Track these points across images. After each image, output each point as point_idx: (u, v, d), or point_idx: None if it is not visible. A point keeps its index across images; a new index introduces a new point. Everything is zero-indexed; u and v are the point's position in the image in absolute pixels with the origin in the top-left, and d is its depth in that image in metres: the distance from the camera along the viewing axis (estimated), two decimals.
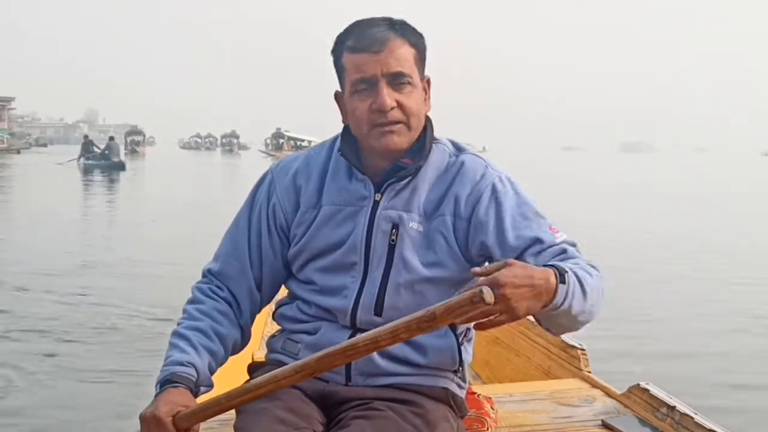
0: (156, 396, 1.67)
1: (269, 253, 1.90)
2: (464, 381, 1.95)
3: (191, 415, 1.61)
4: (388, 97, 1.73)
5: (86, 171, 34.15)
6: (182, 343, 1.76)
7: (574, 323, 1.66)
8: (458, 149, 1.89)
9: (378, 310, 1.80)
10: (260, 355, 2.62)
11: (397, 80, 1.75)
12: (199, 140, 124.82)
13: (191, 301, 1.88)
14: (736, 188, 30.99)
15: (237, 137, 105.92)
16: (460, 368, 1.90)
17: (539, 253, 1.73)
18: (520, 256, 1.73)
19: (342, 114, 1.86)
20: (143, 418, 1.62)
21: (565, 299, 1.56)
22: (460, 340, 1.88)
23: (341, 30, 1.82)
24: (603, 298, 1.69)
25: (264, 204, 1.91)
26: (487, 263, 1.78)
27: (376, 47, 1.74)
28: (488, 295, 1.35)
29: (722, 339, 6.63)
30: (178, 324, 1.83)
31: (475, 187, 1.81)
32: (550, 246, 1.74)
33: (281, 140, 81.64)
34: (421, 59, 1.81)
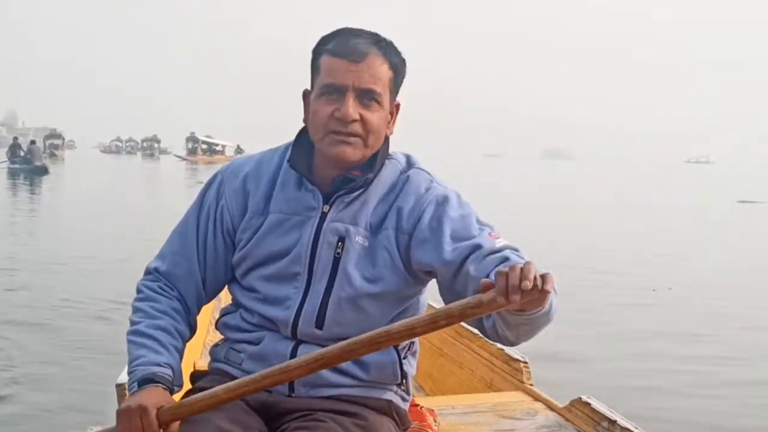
0: (134, 393, 1.68)
1: (214, 255, 1.88)
2: (408, 393, 1.94)
3: (175, 409, 1.64)
4: (353, 109, 1.73)
5: (13, 174, 33.08)
6: (151, 343, 1.76)
7: (542, 326, 1.65)
8: (410, 165, 1.88)
9: (319, 323, 1.79)
10: (202, 363, 2.57)
11: (366, 96, 1.75)
12: (119, 144, 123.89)
13: (144, 299, 1.85)
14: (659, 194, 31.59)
15: (158, 141, 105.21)
16: (404, 381, 1.90)
17: (481, 259, 1.70)
18: (461, 266, 1.71)
19: (305, 113, 1.85)
20: (123, 411, 1.63)
21: (552, 303, 1.58)
22: (402, 354, 1.87)
23: (327, 33, 1.82)
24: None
25: (213, 205, 1.89)
26: (428, 276, 1.81)
27: (355, 57, 1.74)
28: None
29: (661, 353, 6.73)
30: (136, 322, 1.81)
31: (418, 201, 1.80)
32: (492, 252, 1.71)
33: (195, 144, 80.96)
34: (396, 83, 1.82)
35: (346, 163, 1.78)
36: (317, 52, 1.80)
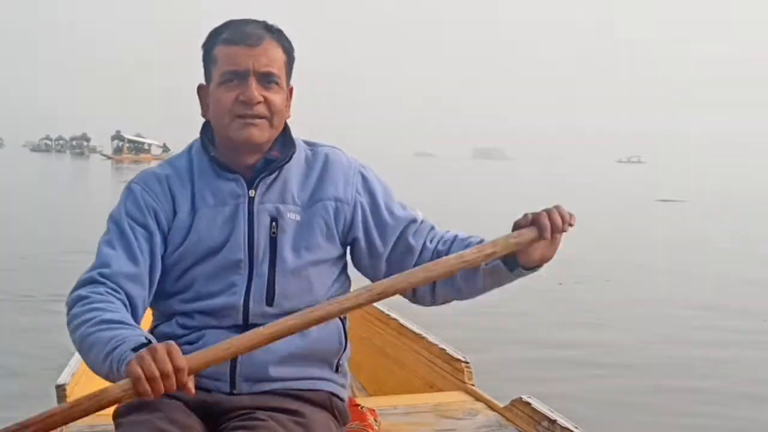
0: (127, 364, 1.47)
1: (158, 256, 1.81)
2: (345, 379, 1.96)
3: (200, 356, 1.50)
4: (257, 91, 1.78)
5: None
6: (122, 326, 1.59)
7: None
8: (310, 144, 1.97)
9: (269, 300, 1.82)
10: None
11: (266, 79, 1.80)
12: (49, 143, 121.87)
13: (86, 303, 1.66)
14: (595, 194, 32.16)
15: (88, 140, 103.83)
16: (342, 357, 1.92)
17: (416, 230, 1.93)
18: (401, 236, 1.92)
19: (202, 107, 1.89)
20: (143, 356, 1.44)
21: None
22: (344, 322, 1.93)
23: (215, 26, 1.86)
24: None
25: (143, 208, 1.82)
26: (357, 247, 1.93)
27: (252, 41, 1.79)
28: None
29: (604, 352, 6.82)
30: (87, 321, 1.61)
31: (346, 174, 1.91)
32: (421, 222, 1.94)
33: (121, 143, 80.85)
34: (289, 66, 1.88)
35: (255, 146, 1.82)
36: (210, 44, 1.84)
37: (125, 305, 1.72)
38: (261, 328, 1.57)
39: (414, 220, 1.93)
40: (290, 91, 1.90)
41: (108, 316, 1.62)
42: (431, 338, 3.04)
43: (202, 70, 1.88)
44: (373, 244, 1.92)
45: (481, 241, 1.81)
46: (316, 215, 1.86)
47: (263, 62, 1.79)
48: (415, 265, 1.82)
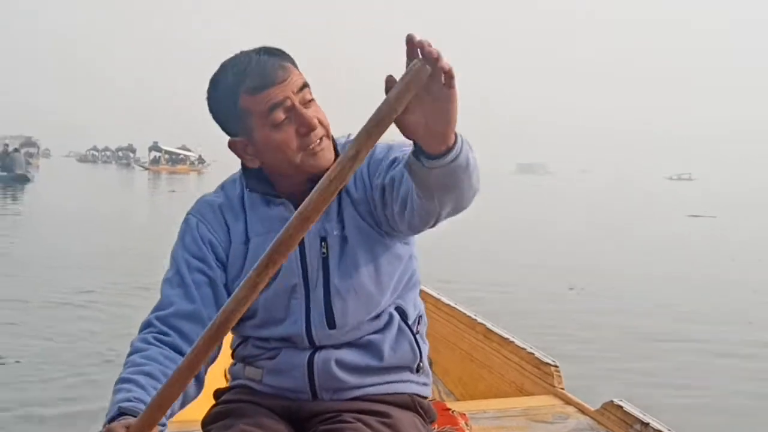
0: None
1: (221, 288, 1.81)
2: (428, 377, 1.94)
3: (143, 417, 1.46)
4: (311, 114, 1.72)
5: None
6: (128, 386, 1.62)
7: (469, 183, 1.55)
8: (346, 143, 1.84)
9: (330, 322, 1.79)
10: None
11: (306, 98, 1.73)
12: (96, 153, 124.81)
13: (133, 352, 1.71)
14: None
15: (133, 151, 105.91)
16: (421, 363, 1.90)
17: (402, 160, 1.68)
18: (387, 172, 1.72)
19: (245, 159, 1.81)
20: None
21: (463, 142, 1.49)
22: (415, 330, 1.89)
23: (217, 76, 1.75)
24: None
25: (200, 242, 1.83)
26: (396, 222, 1.75)
27: (281, 78, 1.70)
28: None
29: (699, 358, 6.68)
30: (121, 374, 1.67)
31: (359, 171, 1.79)
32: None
33: (158, 154, 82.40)
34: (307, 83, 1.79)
35: (326, 169, 1.72)
36: (231, 99, 1.72)
37: (173, 346, 1.72)
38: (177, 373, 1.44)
39: (397, 159, 1.73)
40: None
41: (126, 373, 1.64)
42: (519, 342, 3.04)
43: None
44: (390, 204, 1.73)
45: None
46: (350, 226, 1.81)
47: (297, 85, 1.71)
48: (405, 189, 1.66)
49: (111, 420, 1.54)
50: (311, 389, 1.81)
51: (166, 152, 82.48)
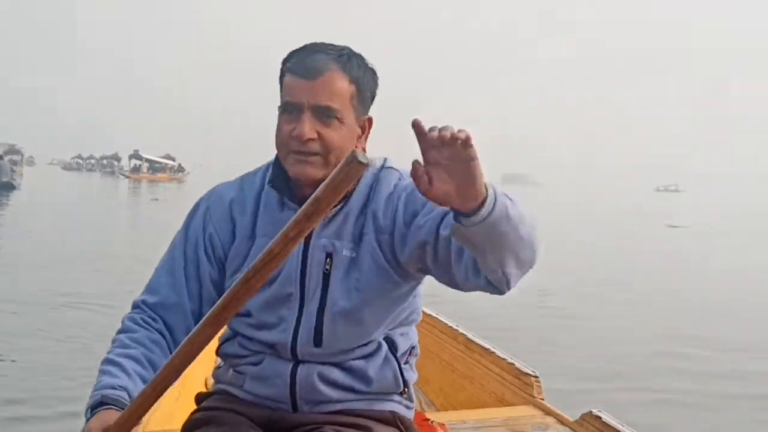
0: (87, 421, 1.60)
1: (208, 285, 1.85)
2: (411, 401, 1.94)
3: (121, 422, 1.51)
4: (310, 127, 1.70)
5: None
6: (113, 369, 1.69)
7: (520, 235, 1.52)
8: (381, 168, 1.84)
9: (317, 341, 1.77)
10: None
11: (323, 113, 1.71)
12: (80, 161, 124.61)
13: (122, 330, 1.80)
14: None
15: (118, 159, 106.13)
16: (406, 389, 1.90)
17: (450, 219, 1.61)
18: (437, 233, 1.66)
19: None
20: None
21: (495, 192, 1.46)
22: (402, 360, 1.87)
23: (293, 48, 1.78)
24: (535, 220, 1.58)
25: (200, 234, 1.86)
26: (420, 272, 1.75)
27: (310, 75, 1.71)
28: (361, 156, 1.23)
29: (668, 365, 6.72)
30: (108, 353, 1.75)
31: (389, 197, 1.77)
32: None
33: (139, 162, 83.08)
34: (361, 97, 1.77)
35: (309, 182, 1.74)
36: (282, 70, 1.77)
37: (161, 333, 1.80)
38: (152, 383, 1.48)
39: (447, 213, 1.63)
40: (368, 121, 1.81)
41: (112, 354, 1.72)
42: (500, 353, 3.05)
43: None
44: (422, 259, 1.71)
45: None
46: (364, 251, 1.77)
47: (321, 97, 1.70)
48: (443, 258, 1.65)
49: (93, 407, 1.60)
50: (292, 400, 1.80)
51: (147, 160, 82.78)
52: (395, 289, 1.79)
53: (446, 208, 1.59)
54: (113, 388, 1.64)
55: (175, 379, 1.47)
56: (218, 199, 1.89)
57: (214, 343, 2.04)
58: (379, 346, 1.83)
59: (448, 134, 1.35)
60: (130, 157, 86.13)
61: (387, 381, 1.84)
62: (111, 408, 1.59)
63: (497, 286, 1.60)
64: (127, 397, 1.63)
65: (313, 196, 1.27)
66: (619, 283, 12.22)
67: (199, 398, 1.94)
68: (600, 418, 2.34)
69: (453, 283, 1.69)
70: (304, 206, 1.28)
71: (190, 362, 1.45)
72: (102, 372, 1.69)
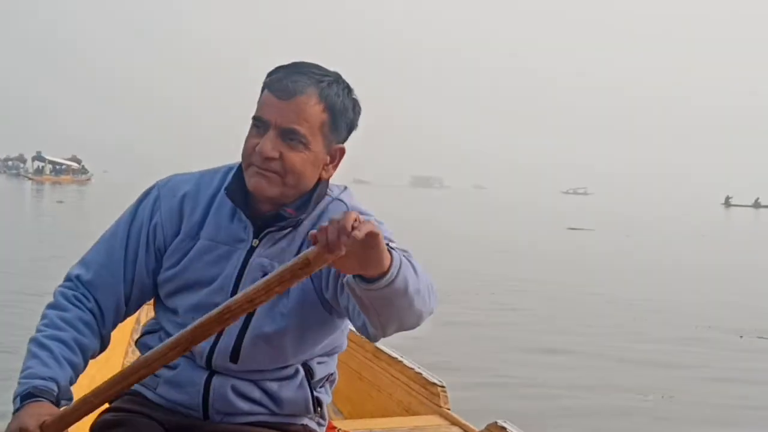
0: (16, 411, 1.61)
1: (143, 271, 1.83)
2: (323, 419, 1.94)
3: (60, 419, 1.56)
4: (272, 147, 1.70)
5: None
6: (43, 354, 1.69)
7: (402, 306, 1.55)
8: (332, 198, 1.83)
9: (234, 357, 1.76)
10: None
11: (288, 135, 1.71)
12: None
13: (54, 306, 1.79)
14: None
15: (24, 161, 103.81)
16: (318, 409, 1.89)
17: None
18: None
19: None
20: (15, 423, 1.57)
21: (399, 269, 1.49)
22: (318, 386, 1.86)
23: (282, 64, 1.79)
24: (434, 294, 1.64)
25: (146, 221, 1.84)
26: (341, 304, 1.73)
27: (284, 96, 1.71)
28: (314, 263, 1.38)
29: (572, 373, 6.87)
30: (39, 330, 1.75)
31: None
32: None
33: (41, 164, 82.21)
34: (334, 126, 1.76)
35: (262, 197, 1.75)
36: (264, 82, 1.78)
37: (93, 313, 1.80)
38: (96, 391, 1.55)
39: None
40: (339, 151, 1.80)
41: (43, 335, 1.73)
42: (407, 362, 3.06)
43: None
44: (337, 299, 1.72)
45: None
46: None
47: (288, 118, 1.70)
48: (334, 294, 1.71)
49: (23, 396, 1.61)
50: (204, 409, 1.78)
51: (50, 162, 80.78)
52: (321, 321, 1.79)
53: None
54: (42, 378, 1.64)
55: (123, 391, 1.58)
56: (171, 190, 1.86)
57: (128, 336, 2.00)
58: (296, 372, 1.82)
59: (345, 240, 1.35)
60: (33, 158, 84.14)
61: (298, 406, 1.83)
62: (41, 400, 1.61)
63: (371, 335, 1.65)
64: (55, 388, 1.65)
65: (263, 281, 1.40)
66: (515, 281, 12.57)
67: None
68: (505, 428, 2.37)
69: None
70: (253, 287, 1.42)
71: (138, 380, 1.54)
72: (31, 354, 1.70)
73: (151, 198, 1.87)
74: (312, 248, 1.38)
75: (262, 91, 1.77)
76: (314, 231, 1.38)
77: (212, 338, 1.74)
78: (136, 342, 1.96)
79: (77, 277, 1.83)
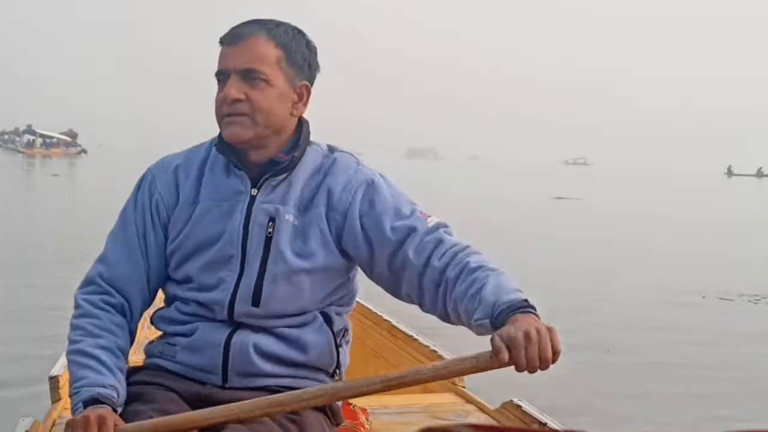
0: (80, 412, 1.66)
1: (156, 251, 1.87)
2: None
3: (133, 429, 1.63)
4: (235, 89, 1.77)
5: None
6: (94, 363, 1.74)
7: None
8: (332, 149, 1.92)
9: (255, 300, 1.81)
10: (135, 359, 2.55)
11: (248, 75, 1.78)
12: None
13: (83, 315, 1.82)
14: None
15: (19, 135, 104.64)
16: (338, 370, 1.92)
17: (418, 242, 1.78)
18: (400, 247, 1.79)
19: None
20: (79, 420, 1.62)
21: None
22: (337, 340, 1.90)
23: None
24: None
25: (147, 202, 1.89)
26: (354, 259, 1.87)
27: (234, 41, 1.79)
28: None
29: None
30: (76, 341, 1.78)
31: (348, 182, 1.84)
32: (427, 234, 1.79)
33: (32, 137, 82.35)
34: (291, 61, 1.82)
35: (239, 143, 1.81)
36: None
37: (121, 311, 1.84)
38: (220, 407, 1.66)
39: (413, 230, 1.79)
40: (305, 88, 1.86)
41: (85, 345, 1.77)
42: (422, 340, 3.06)
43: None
44: (370, 257, 1.84)
45: (494, 270, 1.73)
46: (312, 221, 1.83)
47: (243, 59, 1.78)
48: (419, 282, 1.78)
49: (87, 402, 1.67)
50: (223, 371, 1.81)
51: (41, 135, 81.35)
52: (334, 264, 1.85)
53: (412, 227, 1.79)
54: (104, 386, 1.70)
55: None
56: (164, 167, 1.92)
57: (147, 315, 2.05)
58: (315, 317, 1.86)
59: (546, 366, 1.58)
60: (23, 132, 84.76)
61: (321, 352, 1.86)
62: (106, 407, 1.66)
63: (427, 312, 1.84)
64: (116, 396, 1.71)
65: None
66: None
67: (128, 372, 1.91)
68: (520, 407, 2.36)
69: (391, 286, 1.85)
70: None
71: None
72: (80, 365, 1.74)
73: (146, 181, 1.92)
74: (500, 356, 1.54)
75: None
76: (498, 343, 1.54)
77: (232, 285, 1.81)
78: (151, 317, 1.98)
79: (99, 275, 1.86)
